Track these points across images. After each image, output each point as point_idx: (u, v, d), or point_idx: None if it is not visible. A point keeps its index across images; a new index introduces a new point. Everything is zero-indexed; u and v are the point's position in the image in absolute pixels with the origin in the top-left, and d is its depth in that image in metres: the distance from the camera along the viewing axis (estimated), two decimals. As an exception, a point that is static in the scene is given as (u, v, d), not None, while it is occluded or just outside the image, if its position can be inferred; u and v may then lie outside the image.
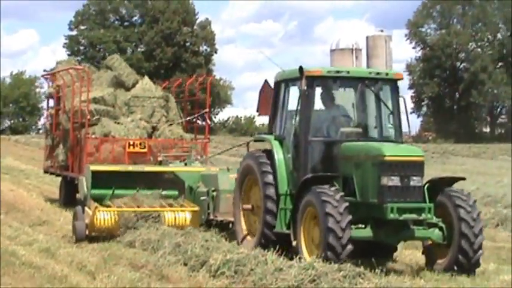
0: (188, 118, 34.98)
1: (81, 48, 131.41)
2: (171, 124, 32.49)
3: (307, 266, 16.83)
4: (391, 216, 17.99)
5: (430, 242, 19.19)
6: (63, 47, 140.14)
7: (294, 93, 21.00)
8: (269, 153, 20.97)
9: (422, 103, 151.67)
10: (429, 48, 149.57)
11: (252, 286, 16.55)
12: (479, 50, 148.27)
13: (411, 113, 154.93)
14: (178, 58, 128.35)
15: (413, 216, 18.34)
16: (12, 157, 65.32)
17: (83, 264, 19.99)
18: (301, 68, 19.67)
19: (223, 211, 24.08)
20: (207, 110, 34.42)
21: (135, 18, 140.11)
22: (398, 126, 20.87)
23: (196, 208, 24.28)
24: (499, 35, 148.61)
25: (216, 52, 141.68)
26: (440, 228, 18.67)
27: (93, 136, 29.95)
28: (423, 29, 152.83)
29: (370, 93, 20.98)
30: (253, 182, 21.56)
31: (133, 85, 33.54)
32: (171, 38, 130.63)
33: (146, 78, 35.37)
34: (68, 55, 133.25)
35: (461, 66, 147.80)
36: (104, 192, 24.64)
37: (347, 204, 17.70)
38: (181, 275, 18.13)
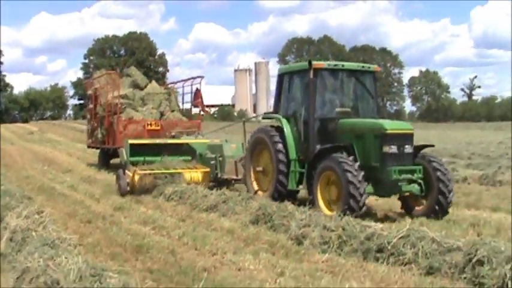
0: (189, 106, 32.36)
1: (90, 70, 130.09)
2: (173, 111, 30.54)
3: (221, 193, 16.81)
4: (394, 176, 15.11)
5: (407, 194, 15.96)
6: (80, 69, 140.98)
7: (297, 82, 17.77)
8: (277, 128, 17.60)
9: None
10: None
11: (189, 205, 16.56)
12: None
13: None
14: (146, 75, 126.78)
15: (409, 176, 15.39)
16: (51, 133, 64.43)
17: (93, 194, 19.90)
18: (310, 62, 16.69)
19: (228, 171, 21.20)
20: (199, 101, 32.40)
21: (122, 52, 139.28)
22: (376, 107, 17.95)
23: (208, 169, 21.21)
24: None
25: (168, 71, 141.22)
26: (419, 184, 15.52)
27: (123, 119, 28.00)
28: (287, 58, 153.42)
29: (357, 82, 17.72)
30: (262, 150, 18.12)
31: (145, 86, 31.80)
32: (142, 63, 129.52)
33: (154, 81, 33.88)
34: (84, 74, 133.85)
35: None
36: (137, 159, 22.15)
37: (358, 163, 14.87)
38: (148, 200, 18.08)
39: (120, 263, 10.34)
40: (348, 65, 17.82)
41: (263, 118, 21.09)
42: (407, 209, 16.28)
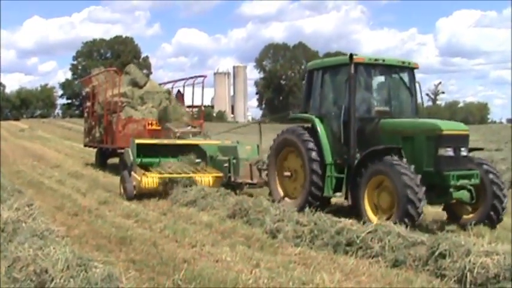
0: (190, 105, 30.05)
1: (79, 71, 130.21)
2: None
3: (200, 188, 16.61)
4: (452, 182, 12.84)
5: (454, 201, 13.58)
6: (69, 70, 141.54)
7: (331, 78, 15.47)
8: (307, 129, 15.25)
9: (263, 102, 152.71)
10: (267, 73, 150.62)
11: (170, 200, 16.47)
12: (293, 74, 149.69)
13: (257, 106, 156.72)
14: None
15: (466, 181, 13.13)
16: (41, 130, 64.10)
17: (79, 188, 19.76)
18: (351, 55, 14.18)
19: (242, 175, 18.61)
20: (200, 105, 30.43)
21: (108, 54, 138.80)
22: (415, 105, 15.42)
23: (221, 174, 18.56)
24: (303, 66, 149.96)
25: (151, 74, 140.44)
26: (469, 190, 13.27)
27: (123, 118, 25.60)
28: (264, 63, 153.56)
29: (396, 79, 15.52)
30: (289, 153, 15.74)
31: (144, 84, 29.11)
32: (127, 65, 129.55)
33: (153, 80, 31.25)
34: (72, 75, 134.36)
35: (284, 82, 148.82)
36: (145, 160, 19.39)
37: (420, 176, 12.41)
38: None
39: (105, 254, 10.31)
40: (389, 60, 15.29)
41: (291, 119, 17.78)
42: (454, 217, 14.16)
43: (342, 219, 11.92)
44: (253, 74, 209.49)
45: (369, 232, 10.49)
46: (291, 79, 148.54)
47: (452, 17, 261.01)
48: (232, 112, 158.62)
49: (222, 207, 14.78)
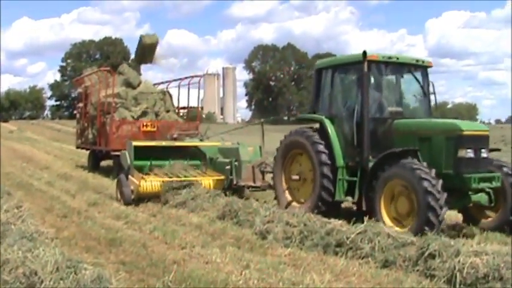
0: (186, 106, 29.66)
1: (68, 73, 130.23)
2: (168, 111, 27.24)
3: (189, 190, 16.41)
4: (474, 185, 12.11)
5: (470, 205, 13.06)
6: (58, 71, 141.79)
7: (341, 77, 14.97)
8: (317, 130, 14.58)
9: (252, 103, 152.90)
10: (256, 74, 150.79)
11: (160, 201, 16.38)
12: (282, 75, 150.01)
13: (246, 107, 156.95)
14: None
15: (487, 184, 12.43)
16: (30, 132, 63.94)
17: (69, 190, 19.66)
18: (364, 53, 13.41)
19: (245, 178, 17.91)
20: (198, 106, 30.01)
21: (97, 56, 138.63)
22: (429, 105, 14.72)
23: (222, 177, 17.94)
24: (292, 68, 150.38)
25: (141, 75, 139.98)
26: (487, 193, 12.70)
27: (117, 119, 24.79)
28: (253, 64, 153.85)
29: (410, 78, 14.81)
30: (298, 155, 15.00)
31: (138, 85, 28.30)
32: (117, 67, 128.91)
33: (147, 80, 30.07)
34: (61, 76, 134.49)
35: (273, 84, 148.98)
36: (141, 163, 18.37)
37: (441, 181, 11.61)
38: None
39: (95, 256, 10.27)
40: (402, 58, 14.62)
41: (298, 119, 16.42)
42: (472, 221, 13.52)
43: (332, 220, 11.89)
44: (243, 75, 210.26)
45: (359, 233, 10.48)
46: (280, 80, 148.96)
47: (442, 18, 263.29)
48: (222, 113, 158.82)
49: (212, 209, 14.75)
